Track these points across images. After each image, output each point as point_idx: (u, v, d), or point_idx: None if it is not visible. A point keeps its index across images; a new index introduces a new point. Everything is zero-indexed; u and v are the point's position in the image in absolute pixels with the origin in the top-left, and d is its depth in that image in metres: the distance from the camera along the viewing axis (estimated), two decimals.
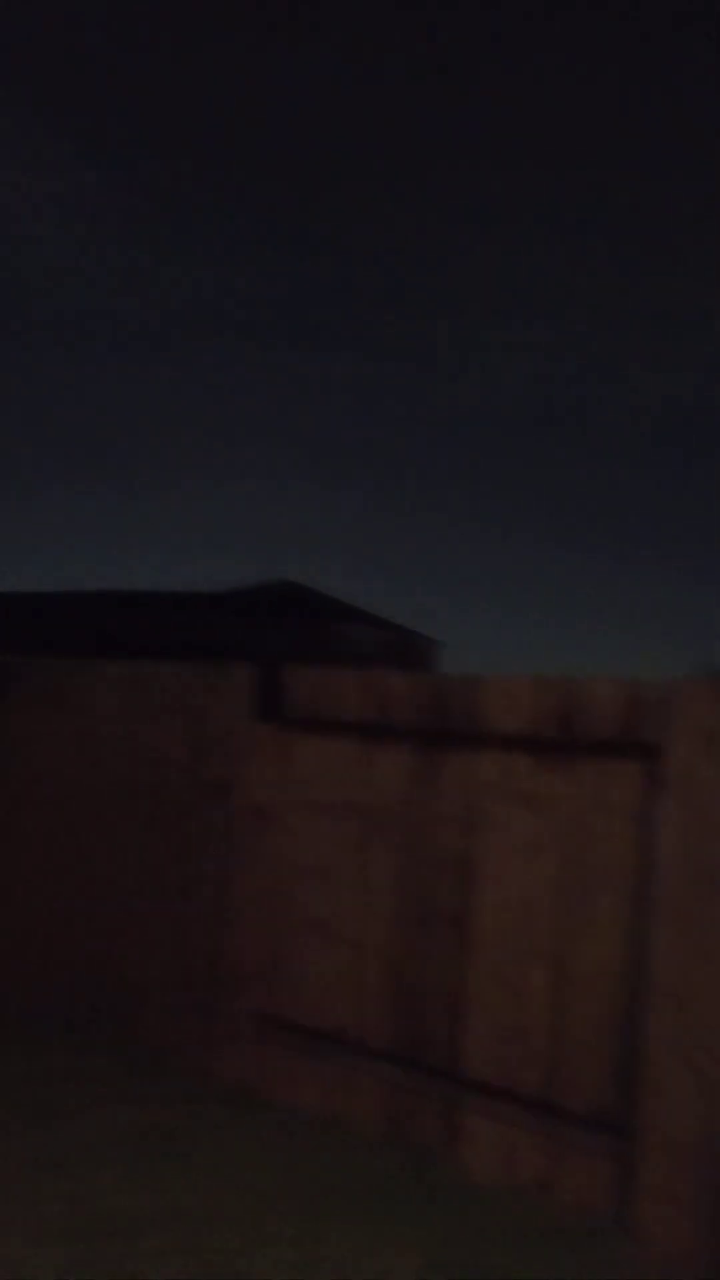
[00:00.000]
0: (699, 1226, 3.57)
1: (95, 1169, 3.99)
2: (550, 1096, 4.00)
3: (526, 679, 4.15)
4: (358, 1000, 4.58)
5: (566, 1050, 3.97)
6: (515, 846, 4.15)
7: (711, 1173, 3.57)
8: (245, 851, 5.02)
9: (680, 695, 3.73)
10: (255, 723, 5.03)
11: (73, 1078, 4.90)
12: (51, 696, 6.01)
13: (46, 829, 5.95)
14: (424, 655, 25.08)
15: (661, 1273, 3.53)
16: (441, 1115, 4.27)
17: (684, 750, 3.70)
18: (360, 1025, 4.57)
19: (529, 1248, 3.61)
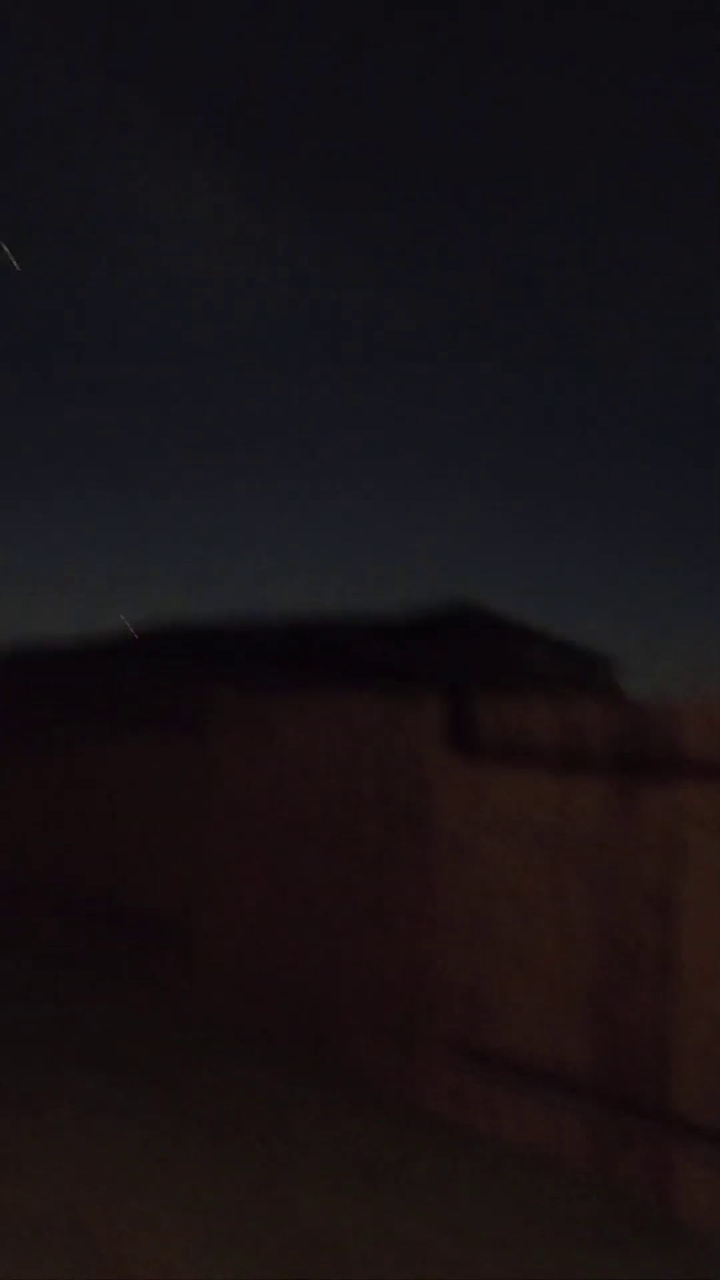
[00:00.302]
0: None
1: (300, 1191, 4.07)
2: None
3: None
4: (558, 1032, 4.54)
5: None
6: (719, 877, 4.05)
7: None
8: (439, 880, 5.06)
9: None
10: (446, 752, 5.07)
11: (275, 1098, 5.02)
12: (249, 728, 6.20)
13: (246, 856, 6.13)
14: (605, 676, 24.64)
15: None
16: (648, 1153, 4.18)
17: None
18: (561, 1058, 4.52)
19: None
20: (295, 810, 5.85)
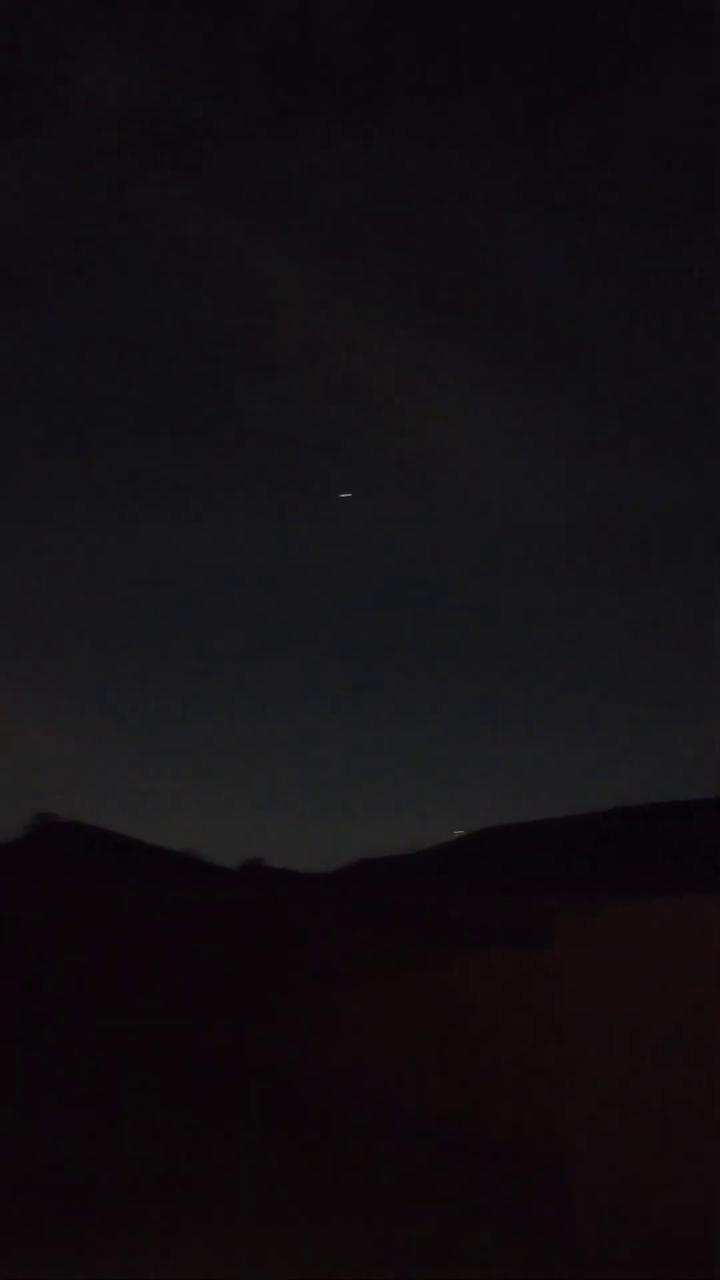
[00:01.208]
0: None
1: None
2: None
3: None
4: None
5: None
6: None
7: None
8: None
9: None
10: None
11: None
12: (589, 939, 5.99)
13: (601, 1077, 5.82)
14: None
15: None
16: None
17: None
18: None
19: None
20: (645, 1025, 5.52)
